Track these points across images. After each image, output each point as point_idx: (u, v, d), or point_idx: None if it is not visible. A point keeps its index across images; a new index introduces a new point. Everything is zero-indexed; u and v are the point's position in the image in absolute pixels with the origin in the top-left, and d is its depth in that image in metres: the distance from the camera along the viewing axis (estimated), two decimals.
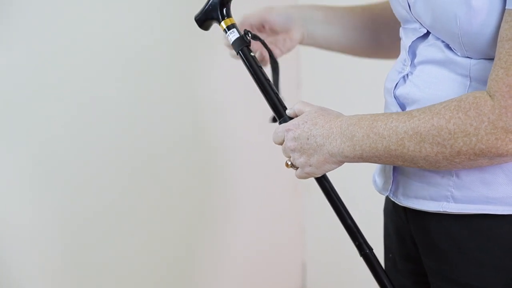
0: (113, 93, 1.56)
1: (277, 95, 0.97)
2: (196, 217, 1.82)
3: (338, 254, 2.03)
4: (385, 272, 0.95)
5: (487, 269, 0.83)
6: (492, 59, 0.76)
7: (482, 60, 0.79)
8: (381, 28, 1.13)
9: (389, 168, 0.93)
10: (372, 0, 1.18)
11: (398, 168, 0.92)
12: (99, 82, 1.53)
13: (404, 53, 0.91)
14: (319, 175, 0.93)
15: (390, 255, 1.05)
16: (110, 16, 1.54)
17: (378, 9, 1.14)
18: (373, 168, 1.01)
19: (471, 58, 0.80)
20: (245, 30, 1.00)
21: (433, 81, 0.84)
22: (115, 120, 1.57)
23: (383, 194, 0.97)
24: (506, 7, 0.72)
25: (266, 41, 1.04)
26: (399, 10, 0.90)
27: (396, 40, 1.00)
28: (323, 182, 0.96)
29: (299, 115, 0.91)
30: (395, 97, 0.90)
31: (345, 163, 0.88)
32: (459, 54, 0.81)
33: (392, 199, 0.95)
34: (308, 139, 0.87)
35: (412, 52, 0.89)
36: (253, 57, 0.98)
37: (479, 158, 0.75)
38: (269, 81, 0.98)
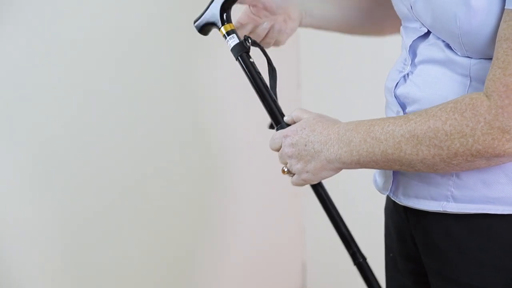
0: (113, 93, 1.56)
1: (275, 101, 0.97)
2: (196, 217, 1.82)
3: (338, 254, 2.02)
4: (378, 282, 0.96)
5: (487, 269, 0.83)
6: (492, 59, 0.76)
7: (482, 60, 0.79)
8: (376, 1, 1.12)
9: None
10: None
11: None
12: (99, 82, 1.53)
13: (404, 53, 0.91)
14: (316, 182, 0.93)
15: (391, 255, 1.05)
16: (110, 16, 1.54)
17: None
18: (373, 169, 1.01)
19: (471, 58, 0.80)
20: (245, 36, 1.00)
21: (433, 81, 0.84)
22: (115, 121, 1.57)
23: (384, 194, 0.97)
24: (505, 7, 0.72)
25: (267, 23, 1.04)
26: (400, 8, 0.90)
27: (391, 14, 0.99)
28: (319, 190, 0.96)
29: (297, 122, 0.91)
30: (395, 96, 0.90)
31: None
32: (459, 54, 0.81)
33: (393, 199, 0.95)
34: (306, 145, 0.87)
35: (413, 52, 0.89)
36: (252, 63, 0.98)
37: (476, 159, 0.75)
38: (268, 87, 0.98)
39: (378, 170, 0.99)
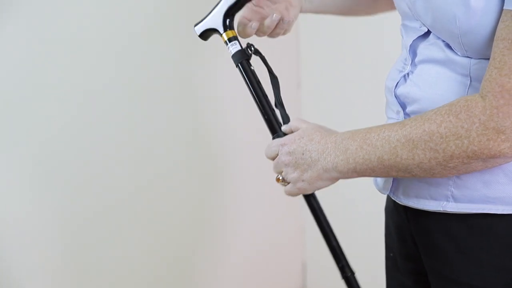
0: (113, 93, 1.56)
1: (273, 111, 0.97)
2: (196, 217, 1.82)
3: None
4: None
5: (487, 269, 0.83)
6: None
7: (482, 60, 0.78)
8: None
9: None
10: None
11: None
12: (99, 82, 1.53)
13: (405, 52, 0.92)
14: (310, 192, 0.92)
15: (391, 254, 1.05)
16: (110, 16, 1.54)
17: None
18: None
19: (471, 58, 0.80)
20: (248, 43, 0.99)
21: (433, 81, 0.84)
22: (115, 121, 1.57)
23: (384, 194, 0.97)
24: (503, 8, 0.72)
25: (276, 14, 1.02)
26: (401, 5, 0.90)
27: None
28: (311, 201, 0.96)
29: (295, 132, 0.91)
30: (395, 96, 0.91)
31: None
32: (459, 53, 0.81)
33: (393, 199, 0.95)
34: (303, 154, 0.87)
35: (413, 51, 0.89)
36: (252, 71, 0.98)
37: (473, 161, 0.75)
38: (266, 96, 0.98)
39: None
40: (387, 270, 1.08)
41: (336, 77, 2.00)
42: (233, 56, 0.99)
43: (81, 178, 1.52)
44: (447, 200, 0.84)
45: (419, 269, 0.96)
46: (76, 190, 1.51)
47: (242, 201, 1.93)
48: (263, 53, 1.01)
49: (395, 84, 0.91)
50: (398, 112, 0.91)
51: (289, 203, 2.06)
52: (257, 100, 0.98)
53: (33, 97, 1.41)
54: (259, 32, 1.04)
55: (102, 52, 1.52)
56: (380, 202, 1.12)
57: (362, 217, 1.95)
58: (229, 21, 1.01)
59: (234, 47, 0.99)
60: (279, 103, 0.98)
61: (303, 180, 0.89)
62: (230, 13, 1.01)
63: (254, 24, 1.01)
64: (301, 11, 1.09)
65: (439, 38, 0.83)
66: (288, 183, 0.91)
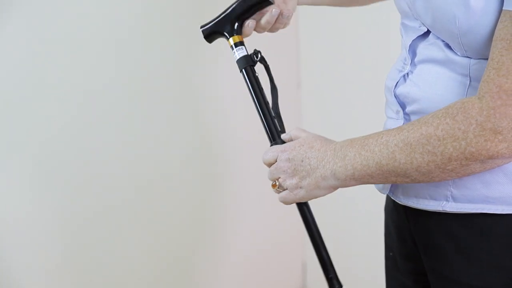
0: (113, 93, 1.56)
1: (273, 119, 0.97)
2: (197, 217, 1.82)
3: (338, 254, 2.02)
4: None
5: (487, 268, 0.83)
6: None
7: (481, 60, 0.79)
8: None
9: None
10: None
11: None
12: (99, 82, 1.53)
13: (404, 52, 0.92)
14: (306, 200, 0.92)
15: (391, 254, 1.05)
16: (110, 16, 1.54)
17: None
18: None
19: (471, 58, 0.80)
20: (255, 50, 1.00)
21: (433, 81, 0.84)
22: (115, 121, 1.57)
23: (383, 193, 0.97)
24: (503, 8, 0.72)
25: (276, 9, 1.02)
26: (401, 4, 0.90)
27: None
28: (304, 209, 0.95)
29: (295, 140, 0.91)
30: (395, 96, 0.91)
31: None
32: (458, 53, 0.81)
33: (392, 198, 0.95)
34: (302, 161, 0.87)
35: (413, 51, 0.89)
36: (256, 78, 0.98)
37: (471, 163, 0.75)
38: (268, 104, 0.98)
39: None
40: (386, 270, 1.08)
41: (336, 77, 2.00)
42: (238, 61, 0.99)
43: (81, 178, 1.51)
44: (447, 200, 0.84)
45: (418, 269, 0.97)
46: (76, 190, 1.51)
47: (242, 200, 1.93)
48: (265, 57, 1.01)
49: (395, 84, 0.91)
50: (397, 112, 0.91)
51: None
52: (258, 106, 0.98)
53: (33, 97, 1.41)
54: (259, 28, 1.04)
55: (102, 52, 1.52)
56: (379, 202, 1.12)
57: (361, 217, 1.95)
58: (237, 26, 1.01)
59: (240, 52, 0.99)
60: (276, 113, 0.98)
61: (300, 187, 0.88)
62: (240, 18, 1.01)
63: (251, 23, 1.01)
64: (298, 3, 1.09)
65: (438, 38, 0.83)
66: (285, 189, 0.91)
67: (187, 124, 1.76)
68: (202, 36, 1.07)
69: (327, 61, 2.01)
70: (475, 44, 0.77)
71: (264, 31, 1.05)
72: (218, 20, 1.02)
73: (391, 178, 0.82)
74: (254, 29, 1.04)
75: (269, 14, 1.01)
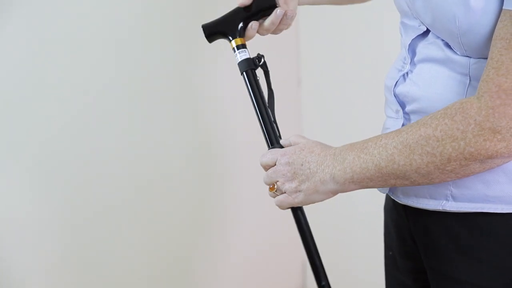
0: (113, 93, 1.56)
1: (272, 123, 0.97)
2: (196, 217, 1.82)
3: (338, 254, 2.03)
4: None
5: (486, 267, 0.83)
6: None
7: (481, 59, 0.78)
8: None
9: None
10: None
11: None
12: (99, 82, 1.53)
13: (404, 51, 0.92)
14: (304, 204, 0.91)
15: (390, 253, 1.05)
16: (110, 16, 1.54)
17: None
18: None
19: (470, 57, 0.80)
20: (258, 54, 0.99)
21: (433, 80, 0.84)
22: (115, 121, 1.57)
23: (383, 192, 0.97)
24: (503, 7, 0.72)
25: (280, 9, 1.01)
26: (401, 4, 0.90)
27: None
28: (298, 214, 0.94)
29: (294, 145, 0.91)
30: (395, 95, 0.91)
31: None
32: (458, 53, 0.81)
33: (392, 197, 0.95)
34: (302, 165, 0.87)
35: (412, 50, 0.89)
36: (257, 82, 0.98)
37: (471, 163, 0.75)
38: (267, 108, 0.98)
39: None
40: (386, 269, 1.08)
41: (336, 74, 2.00)
42: (240, 63, 0.99)
43: (81, 178, 1.51)
44: (447, 199, 0.84)
45: (418, 268, 0.97)
46: (76, 190, 1.51)
47: (242, 201, 1.93)
48: (266, 56, 1.00)
49: (395, 83, 0.91)
50: (397, 111, 0.91)
51: None
52: (257, 111, 0.97)
53: (33, 97, 1.41)
54: (262, 30, 1.03)
55: (102, 52, 1.52)
56: (379, 201, 1.12)
57: (361, 216, 1.95)
58: (241, 28, 1.00)
59: (242, 55, 0.99)
60: (272, 116, 0.98)
61: (300, 191, 0.88)
62: (245, 21, 1.00)
63: (254, 25, 1.01)
64: (298, 3, 1.09)
65: (438, 37, 0.83)
66: (283, 193, 0.90)
67: (187, 124, 1.76)
68: (202, 36, 1.06)
69: (327, 60, 2.01)
70: (475, 43, 0.77)
71: (267, 33, 1.04)
72: (222, 20, 1.01)
73: (390, 181, 0.81)
74: (257, 31, 1.03)
75: (273, 15, 1.00)
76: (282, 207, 0.92)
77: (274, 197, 0.92)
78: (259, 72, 1.01)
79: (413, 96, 0.87)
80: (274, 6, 1.00)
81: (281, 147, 0.94)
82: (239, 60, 0.99)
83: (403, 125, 0.89)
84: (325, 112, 2.04)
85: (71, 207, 1.51)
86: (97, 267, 1.57)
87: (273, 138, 0.96)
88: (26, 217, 1.43)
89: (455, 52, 0.81)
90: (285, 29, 1.06)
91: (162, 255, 1.72)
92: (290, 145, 0.92)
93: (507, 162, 0.77)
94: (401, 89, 0.89)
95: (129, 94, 1.59)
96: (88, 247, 1.54)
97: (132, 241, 1.64)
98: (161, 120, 1.67)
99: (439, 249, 0.88)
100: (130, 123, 1.60)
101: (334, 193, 0.88)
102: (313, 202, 0.90)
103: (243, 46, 1.00)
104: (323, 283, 0.95)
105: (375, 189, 0.99)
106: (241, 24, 1.00)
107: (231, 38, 1.00)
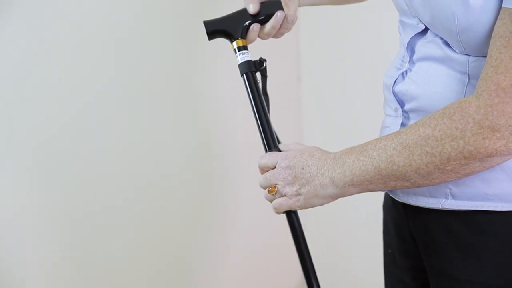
0: (113, 94, 1.56)
1: (270, 127, 0.96)
2: (196, 217, 1.82)
3: (338, 253, 2.03)
4: None
5: (486, 265, 0.83)
6: None
7: (480, 57, 0.78)
8: None
9: None
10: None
11: None
12: (99, 82, 1.53)
13: (402, 50, 0.92)
14: (303, 208, 0.91)
15: (389, 251, 1.05)
16: (110, 16, 1.54)
17: None
18: None
19: (470, 55, 0.80)
20: (261, 58, 0.99)
21: (431, 78, 0.84)
22: (115, 120, 1.57)
23: (382, 191, 0.97)
24: (502, 6, 0.72)
25: (281, 12, 1.01)
26: (399, 2, 0.90)
27: None
28: (293, 218, 0.94)
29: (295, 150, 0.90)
30: (394, 93, 0.91)
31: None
32: (457, 51, 0.81)
33: (391, 195, 0.95)
34: (303, 168, 0.87)
35: (411, 49, 0.89)
36: (256, 85, 0.97)
37: (470, 162, 0.74)
38: (266, 112, 0.97)
39: None
40: (385, 267, 1.08)
41: (335, 72, 2.00)
42: (240, 65, 0.98)
43: (81, 178, 1.52)
44: (446, 198, 0.84)
45: (417, 266, 0.97)
46: (76, 190, 1.51)
47: (242, 201, 1.93)
48: (266, 55, 1.00)
49: (393, 82, 0.91)
50: (396, 110, 0.91)
51: None
52: (256, 114, 0.97)
53: (33, 97, 1.41)
54: (264, 34, 1.03)
55: (102, 52, 1.52)
56: (378, 199, 1.12)
57: (360, 214, 1.95)
58: (243, 29, 0.99)
59: (243, 57, 0.98)
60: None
61: (300, 194, 0.88)
62: (249, 23, 1.00)
63: (256, 27, 1.00)
64: (299, 5, 1.09)
65: (437, 35, 0.83)
66: (282, 196, 0.90)
67: (187, 124, 1.76)
68: (202, 36, 1.05)
69: (327, 59, 2.01)
70: (474, 41, 0.77)
71: (268, 38, 1.04)
72: (226, 20, 1.00)
73: (390, 183, 0.81)
74: (258, 36, 1.03)
75: (274, 19, 1.00)
76: (279, 209, 0.92)
77: (271, 200, 0.92)
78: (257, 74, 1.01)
79: (412, 95, 0.87)
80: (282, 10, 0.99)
81: (279, 151, 0.93)
82: (240, 62, 0.98)
83: (402, 123, 0.89)
84: (325, 112, 2.04)
85: (71, 207, 1.51)
86: (97, 267, 1.57)
87: (271, 142, 0.95)
88: (26, 217, 1.43)
89: (454, 50, 0.81)
90: (286, 32, 1.06)
91: (162, 255, 1.72)
92: (289, 150, 0.92)
93: (506, 160, 0.77)
94: (400, 87, 0.89)
95: (129, 94, 1.59)
96: (88, 247, 1.54)
97: (132, 241, 1.64)
98: (161, 120, 1.67)
99: (438, 247, 0.88)
100: (130, 123, 1.60)
101: (334, 197, 0.87)
102: (312, 206, 0.89)
103: (244, 48, 0.99)
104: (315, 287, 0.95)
105: None
106: (244, 26, 1.00)
107: (233, 39, 1.00)
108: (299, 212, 0.94)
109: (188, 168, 1.77)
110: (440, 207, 0.85)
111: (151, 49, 1.63)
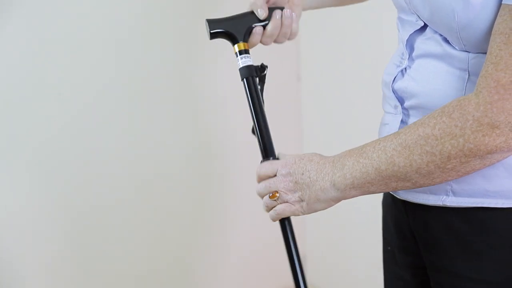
0: (113, 94, 1.56)
1: (269, 133, 0.95)
2: (196, 217, 1.82)
3: (338, 251, 2.02)
4: None
5: (486, 262, 0.83)
6: None
7: (480, 54, 0.78)
8: None
9: None
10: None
11: None
12: (99, 82, 1.53)
13: (401, 47, 0.91)
14: (306, 214, 0.90)
15: (389, 248, 1.04)
16: (111, 16, 1.54)
17: None
18: None
19: (469, 52, 0.79)
20: (262, 64, 0.98)
21: (431, 75, 0.84)
22: (115, 120, 1.57)
23: None
24: (502, 2, 0.72)
25: (289, 10, 1.01)
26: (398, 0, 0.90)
27: None
28: (285, 224, 0.93)
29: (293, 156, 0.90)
30: (393, 91, 0.90)
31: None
32: (457, 48, 0.80)
33: (391, 192, 0.95)
34: (303, 174, 0.87)
35: (410, 46, 0.89)
36: (256, 90, 0.96)
37: (471, 159, 0.74)
38: (265, 118, 0.96)
39: None
40: (384, 264, 1.08)
41: (335, 70, 2.00)
42: (241, 69, 0.97)
43: (81, 178, 1.52)
44: (447, 194, 0.84)
45: (417, 263, 0.96)
46: (76, 190, 1.51)
47: (242, 201, 1.93)
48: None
49: (393, 79, 0.91)
50: (396, 107, 0.90)
51: None
52: (255, 119, 0.96)
53: (33, 97, 1.41)
54: (266, 37, 1.02)
55: (102, 52, 1.52)
56: (378, 198, 1.12)
57: (360, 211, 1.95)
58: (246, 32, 0.98)
59: (244, 61, 0.97)
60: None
61: (302, 200, 0.88)
62: (254, 26, 0.99)
63: (258, 29, 1.00)
64: (304, 8, 1.09)
65: (436, 32, 0.83)
66: (284, 202, 0.89)
67: (187, 124, 1.76)
68: (202, 36, 1.05)
69: (326, 54, 2.02)
70: (474, 38, 0.77)
71: (271, 41, 1.03)
72: (230, 21, 0.99)
73: (391, 184, 0.81)
74: (261, 41, 1.02)
75: (273, 18, 1.00)
76: (281, 215, 0.91)
77: (272, 206, 0.91)
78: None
79: (411, 92, 0.86)
80: None
81: (276, 159, 0.92)
82: (241, 65, 0.97)
83: (401, 120, 0.89)
84: (325, 111, 2.04)
85: (71, 207, 1.51)
86: (97, 267, 1.57)
87: (268, 149, 0.95)
88: (26, 217, 1.43)
89: (453, 47, 0.81)
90: (290, 38, 1.05)
91: (162, 255, 1.72)
92: (287, 157, 0.91)
93: (506, 157, 0.77)
94: (399, 84, 0.89)
95: (129, 94, 1.59)
96: (88, 247, 1.54)
97: (132, 241, 1.64)
98: (161, 120, 1.68)
99: (439, 244, 0.88)
100: (130, 123, 1.60)
101: (336, 201, 0.87)
102: (315, 211, 0.89)
103: (246, 51, 0.98)
104: None
105: None
106: (248, 29, 0.99)
107: (235, 42, 0.98)
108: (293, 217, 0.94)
109: (188, 168, 1.77)
110: (440, 204, 0.85)
111: (151, 49, 1.63)
